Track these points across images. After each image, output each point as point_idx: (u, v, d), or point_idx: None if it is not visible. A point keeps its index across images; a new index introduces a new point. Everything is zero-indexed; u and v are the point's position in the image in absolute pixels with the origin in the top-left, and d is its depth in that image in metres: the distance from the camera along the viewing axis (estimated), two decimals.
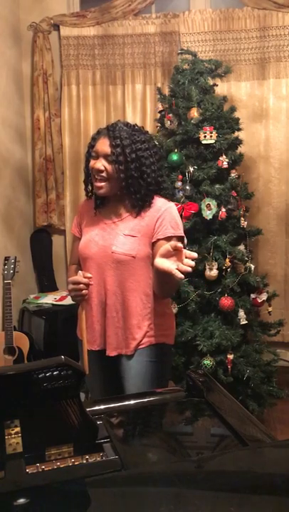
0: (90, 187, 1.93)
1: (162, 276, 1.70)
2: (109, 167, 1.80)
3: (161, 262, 1.56)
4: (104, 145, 1.80)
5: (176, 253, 1.55)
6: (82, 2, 3.88)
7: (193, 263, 1.52)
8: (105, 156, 1.80)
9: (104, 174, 1.81)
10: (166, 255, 1.56)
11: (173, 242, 1.55)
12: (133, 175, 1.80)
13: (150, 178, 1.83)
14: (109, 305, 1.86)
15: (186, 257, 1.53)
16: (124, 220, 1.87)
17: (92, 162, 1.84)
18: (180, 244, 1.53)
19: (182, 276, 1.51)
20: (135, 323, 1.86)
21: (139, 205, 1.85)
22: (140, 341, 1.87)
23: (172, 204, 1.91)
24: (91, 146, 1.86)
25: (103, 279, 1.86)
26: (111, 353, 1.89)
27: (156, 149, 1.90)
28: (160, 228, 1.82)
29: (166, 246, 1.56)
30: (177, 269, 1.50)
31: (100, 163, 1.81)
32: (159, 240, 1.82)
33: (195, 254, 1.54)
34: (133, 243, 1.82)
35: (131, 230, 1.84)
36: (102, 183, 1.82)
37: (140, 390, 1.79)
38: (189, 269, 1.50)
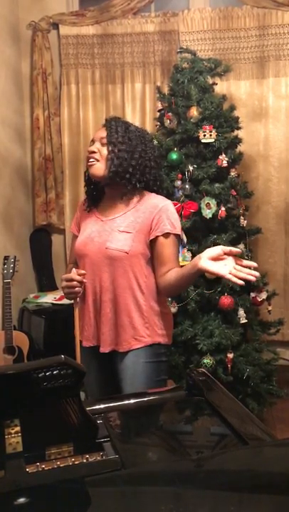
0: (90, 189, 1.96)
1: (190, 278, 1.71)
2: (102, 149, 1.86)
3: (209, 265, 1.53)
4: (100, 131, 1.89)
5: (227, 257, 1.52)
6: (81, 1, 3.87)
7: (257, 273, 1.48)
8: (100, 140, 1.87)
9: (96, 156, 1.86)
10: (215, 258, 1.53)
11: (226, 247, 1.52)
12: (123, 156, 1.83)
13: (141, 160, 1.85)
14: (104, 302, 1.86)
15: (239, 263, 1.50)
16: (121, 216, 1.86)
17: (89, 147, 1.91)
18: (236, 249, 1.50)
19: (242, 282, 1.47)
20: (128, 321, 1.84)
21: (129, 190, 1.86)
22: (134, 341, 1.85)
23: (169, 202, 1.90)
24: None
25: (98, 275, 1.85)
26: (105, 349, 1.88)
27: (153, 144, 1.94)
28: (158, 225, 1.81)
29: (217, 249, 1.53)
30: (232, 274, 1.47)
31: (94, 146, 1.87)
32: (157, 236, 1.81)
33: (255, 264, 1.51)
34: (127, 239, 1.81)
35: (126, 226, 1.83)
36: (94, 163, 1.86)
37: (137, 391, 1.78)
38: (253, 279, 1.48)
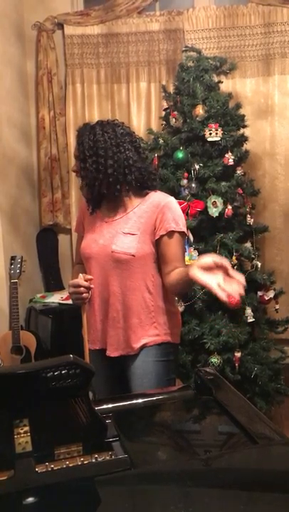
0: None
1: (189, 285, 1.70)
2: (78, 166, 1.83)
3: (199, 276, 1.48)
4: (74, 148, 1.85)
5: (217, 269, 1.47)
6: (85, 0, 3.87)
7: (242, 292, 1.43)
8: (75, 157, 1.84)
9: (78, 175, 1.84)
10: (206, 269, 1.48)
11: (218, 259, 1.47)
12: (90, 169, 1.77)
13: (110, 169, 1.75)
14: (111, 305, 1.84)
15: (228, 276, 1.45)
16: (124, 217, 1.84)
17: None
18: (226, 263, 1.46)
19: (226, 299, 1.43)
20: (137, 322, 1.83)
21: (120, 195, 1.82)
22: (144, 341, 1.84)
23: (172, 198, 1.85)
24: None
25: (105, 278, 1.84)
26: (112, 353, 1.87)
27: (130, 139, 1.81)
28: (162, 223, 1.78)
29: (208, 260, 1.48)
30: (220, 288, 1.43)
31: (74, 165, 1.85)
32: (162, 236, 1.78)
33: (243, 281, 1.45)
34: (132, 241, 1.79)
35: (130, 227, 1.81)
36: (81, 183, 1.85)
37: (146, 389, 1.77)
38: (237, 297, 1.43)
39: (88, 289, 1.82)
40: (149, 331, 1.84)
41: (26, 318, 3.56)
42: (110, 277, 1.83)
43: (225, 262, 1.46)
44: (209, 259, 1.48)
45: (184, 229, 1.82)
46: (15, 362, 2.97)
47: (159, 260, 1.83)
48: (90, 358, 1.87)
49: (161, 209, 1.79)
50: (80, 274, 1.83)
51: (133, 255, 1.78)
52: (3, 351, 3.00)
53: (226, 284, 1.43)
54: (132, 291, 1.82)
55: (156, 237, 1.80)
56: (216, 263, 1.46)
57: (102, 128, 1.79)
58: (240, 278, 1.45)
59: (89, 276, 1.83)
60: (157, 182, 1.92)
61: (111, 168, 1.76)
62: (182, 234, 1.82)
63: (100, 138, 1.76)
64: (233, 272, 1.45)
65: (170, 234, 1.78)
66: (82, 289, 1.81)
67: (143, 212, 1.81)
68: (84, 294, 1.82)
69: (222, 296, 1.42)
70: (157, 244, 1.81)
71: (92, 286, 1.82)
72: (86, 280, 1.81)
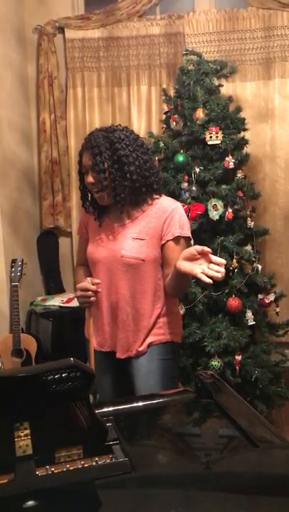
0: (87, 203, 1.93)
1: (180, 279, 1.73)
2: (98, 177, 1.78)
3: (184, 265, 1.58)
4: (86, 158, 1.80)
5: (201, 257, 1.56)
6: (86, 4, 3.88)
7: (223, 270, 1.51)
8: (91, 169, 1.79)
9: (97, 187, 1.81)
10: (190, 258, 1.57)
11: (198, 246, 1.55)
12: (116, 178, 1.77)
13: (135, 175, 1.78)
14: (120, 308, 1.87)
15: (212, 262, 1.53)
16: (132, 222, 1.86)
17: (85, 178, 1.84)
18: (207, 249, 1.54)
19: (210, 281, 1.50)
20: (146, 325, 1.87)
21: (134, 205, 1.83)
22: (150, 340, 1.88)
23: (179, 204, 1.90)
24: (79, 162, 1.85)
25: (113, 282, 1.86)
26: (121, 355, 1.89)
27: (140, 142, 1.84)
28: (168, 229, 1.82)
29: (191, 249, 1.57)
30: (203, 273, 1.51)
31: (90, 177, 1.81)
32: (167, 241, 1.82)
33: (223, 261, 1.54)
34: (142, 246, 1.82)
35: (139, 232, 1.83)
36: (100, 194, 1.82)
37: (151, 387, 1.81)
38: (218, 275, 1.50)
39: (95, 292, 1.83)
40: (155, 330, 1.89)
41: (27, 321, 3.56)
42: (119, 281, 1.85)
43: (205, 248, 1.55)
44: (191, 248, 1.58)
45: (189, 233, 1.87)
46: (15, 365, 2.97)
47: (162, 263, 1.87)
48: (97, 360, 1.89)
49: (168, 214, 1.83)
50: (88, 278, 1.85)
51: (143, 260, 1.82)
52: (3, 354, 3.00)
53: (208, 269, 1.52)
54: (141, 294, 1.85)
55: (163, 242, 1.83)
56: (197, 250, 1.56)
57: (114, 135, 1.79)
58: (221, 260, 1.54)
59: (96, 280, 1.84)
60: (161, 183, 1.95)
61: (135, 174, 1.78)
62: (187, 239, 1.87)
63: (118, 146, 1.77)
64: (214, 257, 1.54)
65: (176, 239, 1.83)
66: (89, 292, 1.82)
67: (151, 218, 1.84)
68: (92, 298, 1.83)
69: (206, 280, 1.51)
70: (162, 248, 1.84)
71: (99, 290, 1.84)
72: (93, 284, 1.83)
